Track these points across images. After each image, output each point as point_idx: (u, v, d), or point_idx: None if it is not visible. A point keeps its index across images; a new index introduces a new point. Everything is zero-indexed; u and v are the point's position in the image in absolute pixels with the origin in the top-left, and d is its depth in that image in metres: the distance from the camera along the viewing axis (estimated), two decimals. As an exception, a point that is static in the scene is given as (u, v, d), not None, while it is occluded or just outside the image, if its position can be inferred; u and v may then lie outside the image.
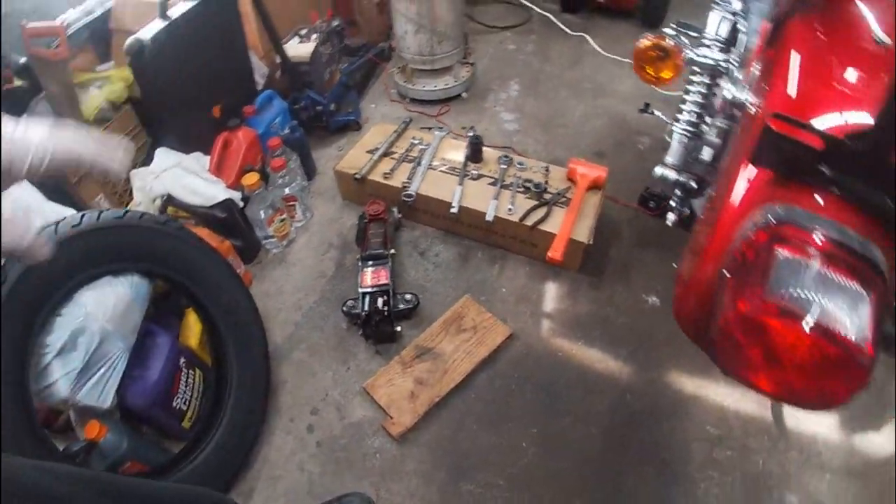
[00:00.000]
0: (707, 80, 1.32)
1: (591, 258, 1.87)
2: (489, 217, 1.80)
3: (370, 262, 1.69)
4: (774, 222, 0.72)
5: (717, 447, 1.48)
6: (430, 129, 2.27)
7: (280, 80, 2.37)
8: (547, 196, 1.85)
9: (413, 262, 1.89)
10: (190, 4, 1.84)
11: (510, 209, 1.82)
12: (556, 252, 1.67)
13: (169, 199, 1.72)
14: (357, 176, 1.95)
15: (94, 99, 1.80)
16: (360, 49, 2.75)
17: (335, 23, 2.46)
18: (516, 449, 1.46)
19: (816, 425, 1.53)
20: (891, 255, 0.73)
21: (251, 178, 1.76)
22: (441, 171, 1.98)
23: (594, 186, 1.88)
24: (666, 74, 1.33)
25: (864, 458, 1.49)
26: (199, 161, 1.86)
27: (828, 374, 0.70)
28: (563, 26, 3.10)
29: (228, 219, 1.75)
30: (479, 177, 1.95)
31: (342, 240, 1.96)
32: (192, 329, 1.55)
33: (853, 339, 0.66)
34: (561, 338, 1.69)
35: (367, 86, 2.77)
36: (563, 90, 2.68)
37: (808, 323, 0.66)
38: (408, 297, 1.68)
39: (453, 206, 1.83)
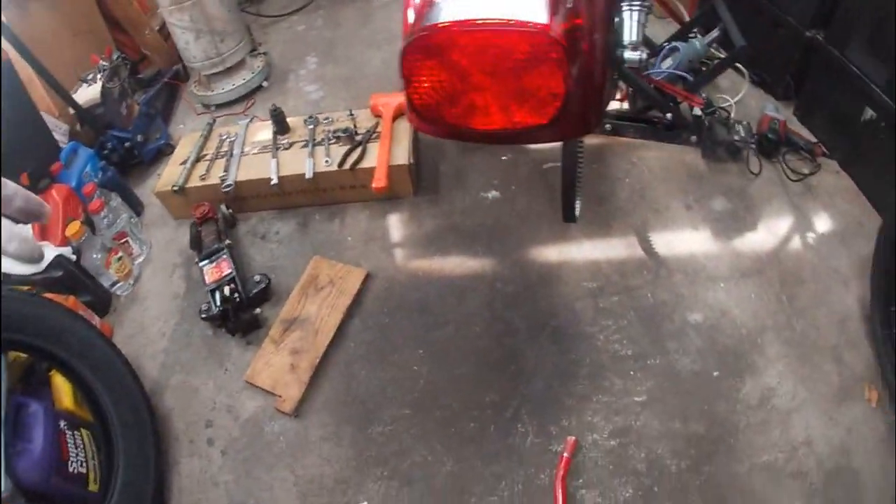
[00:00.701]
0: None
1: (423, 180, 1.92)
2: (308, 175, 1.80)
3: (208, 260, 1.66)
4: None
5: (601, 297, 1.54)
6: (235, 121, 2.24)
7: (83, 131, 2.28)
8: (358, 137, 1.87)
9: (257, 248, 1.87)
10: None
11: (327, 161, 1.83)
12: (379, 181, 1.70)
13: (5, 279, 1.64)
14: (175, 188, 1.90)
15: None
16: (156, 77, 2.68)
17: (115, 56, 2.37)
18: (411, 375, 1.48)
19: (690, 244, 1.63)
20: None
21: (72, 229, 1.70)
22: (253, 154, 1.97)
23: (400, 113, 1.92)
24: None
25: (752, 256, 1.60)
26: (22, 230, 1.74)
27: (524, 66, 0.70)
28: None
29: (66, 275, 1.68)
30: (291, 145, 1.96)
31: (184, 256, 1.91)
32: (63, 390, 1.46)
33: (527, 19, 0.67)
34: (417, 259, 1.73)
35: (173, 109, 2.69)
36: (358, 47, 2.72)
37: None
38: (256, 278, 1.67)
39: (273, 179, 1.82)
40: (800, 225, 1.67)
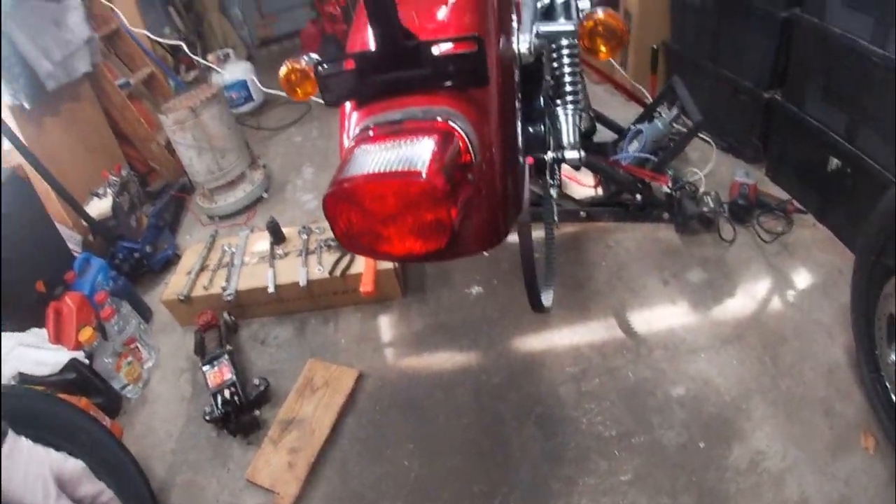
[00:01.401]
0: None
1: (411, 281, 2.08)
2: (302, 283, 1.96)
3: (210, 365, 1.78)
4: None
5: (584, 380, 1.62)
6: (235, 233, 2.41)
7: (96, 242, 2.47)
8: (349, 245, 2.03)
9: (258, 352, 2.00)
10: None
11: (319, 269, 1.99)
12: (366, 286, 1.86)
13: (22, 378, 1.76)
14: (181, 297, 2.05)
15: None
16: (163, 190, 2.91)
17: (124, 172, 2.59)
18: (403, 469, 1.56)
19: (668, 319, 1.72)
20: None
21: (85, 334, 1.84)
22: (253, 264, 2.13)
23: (385, 221, 2.09)
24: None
25: (731, 322, 1.67)
26: (38, 335, 1.92)
27: (414, 206, 0.82)
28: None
29: (79, 377, 1.80)
30: (286, 254, 2.13)
31: (190, 361, 2.03)
32: None
33: (411, 168, 0.80)
34: (407, 357, 1.86)
35: (180, 221, 2.88)
36: (351, 156, 2.93)
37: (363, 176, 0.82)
38: (256, 381, 1.78)
39: (270, 288, 1.98)
40: (778, 284, 1.76)
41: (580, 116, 1.45)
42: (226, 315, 2.04)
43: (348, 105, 1.04)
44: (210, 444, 1.75)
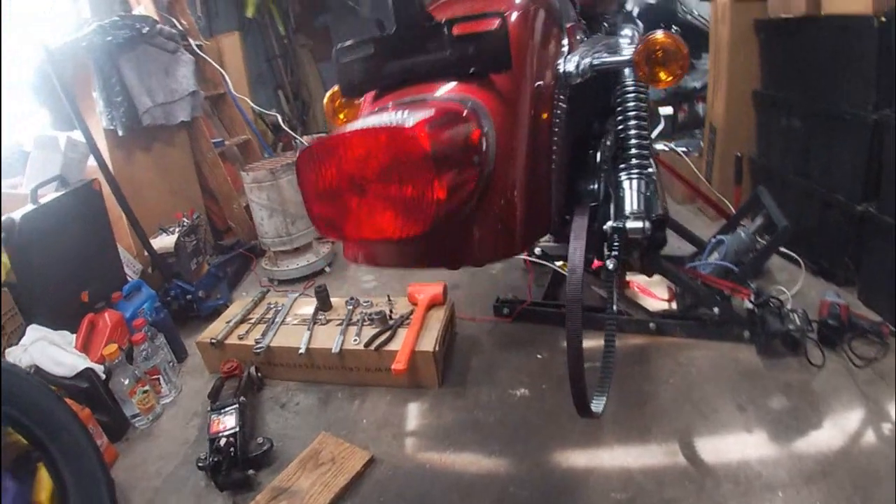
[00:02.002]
0: None
1: (452, 373, 1.92)
2: (335, 349, 1.85)
3: (217, 412, 1.66)
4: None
5: None
6: (285, 293, 2.37)
7: (153, 275, 2.51)
8: (390, 322, 1.94)
9: (275, 414, 1.86)
10: (57, 194, 2.07)
11: (356, 339, 1.89)
12: (398, 363, 1.72)
13: (36, 371, 1.74)
14: (213, 341, 1.99)
15: (-28, 278, 1.88)
16: (233, 246, 2.98)
17: (196, 217, 2.68)
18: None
19: (743, 449, 1.47)
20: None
21: (109, 349, 1.80)
22: (293, 324, 2.07)
23: (434, 303, 2.00)
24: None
25: (817, 457, 1.42)
26: (65, 338, 1.92)
27: (395, 167, 0.74)
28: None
29: (91, 389, 1.75)
30: (328, 322, 2.05)
31: (205, 407, 1.92)
32: (44, 485, 1.45)
33: (399, 124, 0.72)
34: (428, 451, 1.65)
35: (242, 279, 2.91)
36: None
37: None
38: (260, 440, 1.64)
39: (301, 349, 1.88)
40: (872, 416, 1.51)
41: (646, 183, 1.35)
42: (252, 369, 1.94)
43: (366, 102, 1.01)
44: (194, 493, 1.59)
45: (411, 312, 1.98)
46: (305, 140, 3.84)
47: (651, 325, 1.90)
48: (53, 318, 1.93)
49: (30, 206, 1.93)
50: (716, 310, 1.77)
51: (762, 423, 1.54)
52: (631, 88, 1.38)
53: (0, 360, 1.38)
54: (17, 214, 1.88)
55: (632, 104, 1.38)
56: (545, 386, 1.81)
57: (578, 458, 1.54)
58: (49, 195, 2.04)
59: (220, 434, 1.59)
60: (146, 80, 2.59)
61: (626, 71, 1.39)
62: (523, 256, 2.51)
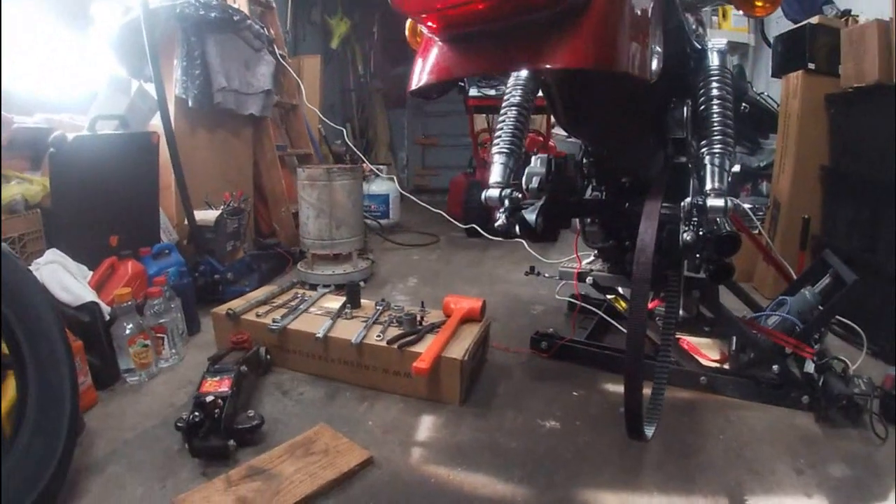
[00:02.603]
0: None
1: (476, 394, 1.73)
2: (355, 340, 1.68)
3: (212, 374, 1.50)
4: None
5: None
6: (315, 287, 2.24)
7: (188, 249, 2.43)
8: (419, 327, 1.77)
9: (273, 399, 1.68)
10: (115, 132, 2.06)
11: (378, 336, 1.72)
12: (422, 361, 1.53)
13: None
14: (230, 312, 1.86)
15: (10, 189, 1.87)
16: (274, 245, 2.90)
17: (244, 201, 2.61)
18: None
19: None
20: None
21: (121, 291, 1.71)
22: (316, 314, 1.92)
23: (470, 317, 1.83)
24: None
25: None
26: (82, 270, 1.86)
27: None
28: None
29: (90, 325, 1.66)
30: (353, 317, 1.89)
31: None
32: (7, 395, 1.33)
33: None
34: (436, 465, 1.42)
35: (274, 278, 2.79)
36: (459, 281, 2.78)
37: None
38: (251, 413, 1.46)
39: (318, 334, 1.72)
40: None
41: (730, 159, 1.27)
42: (262, 350, 1.79)
43: None
44: (164, 454, 1.41)
45: (442, 322, 1.80)
46: (366, 169, 3.84)
47: (702, 378, 1.70)
48: (76, 251, 1.86)
49: (85, 133, 1.90)
50: (775, 367, 1.60)
51: (823, 489, 1.32)
52: (716, 69, 1.36)
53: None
54: (71, 135, 1.84)
55: (716, 83, 1.34)
56: (579, 423, 1.58)
57: (611, 501, 1.29)
58: (107, 131, 2.02)
59: (209, 394, 1.41)
60: (226, 64, 2.62)
61: (711, 54, 1.39)
62: (568, 299, 2.34)
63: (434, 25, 0.99)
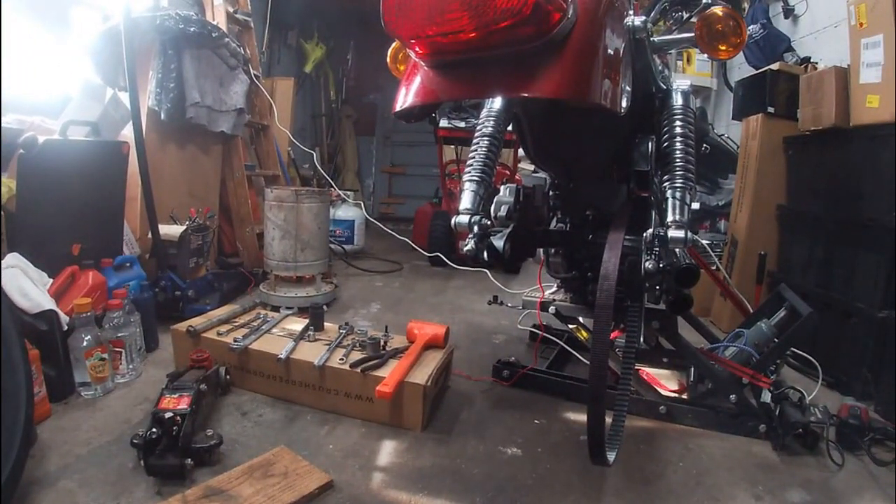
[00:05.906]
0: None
1: (438, 420, 1.74)
2: (317, 363, 1.68)
3: (172, 391, 1.47)
4: None
5: None
6: (278, 309, 2.22)
7: (149, 264, 2.38)
8: (383, 351, 1.77)
9: (232, 420, 1.66)
10: (86, 139, 2.04)
11: (341, 360, 1.72)
12: (386, 386, 1.54)
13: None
14: (191, 329, 1.83)
15: (-29, 189, 1.80)
16: (237, 265, 2.88)
17: (209, 218, 2.58)
18: None
19: None
20: None
21: (81, 301, 1.68)
22: (278, 335, 1.91)
23: (434, 343, 1.85)
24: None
25: None
26: (42, 277, 1.80)
27: None
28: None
29: (48, 334, 1.62)
30: (316, 340, 1.89)
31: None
32: None
33: None
34: (396, 490, 1.42)
35: (236, 297, 2.76)
36: (422, 308, 2.80)
37: None
38: (209, 433, 1.43)
39: (281, 355, 1.71)
40: None
41: (690, 193, 1.34)
42: (222, 370, 1.76)
43: None
44: (117, 472, 1.37)
45: (406, 347, 1.81)
46: (333, 195, 3.85)
47: (662, 408, 1.75)
48: (37, 257, 1.81)
49: (56, 137, 1.87)
50: (733, 397, 1.67)
51: (781, 514, 1.37)
52: (679, 108, 1.43)
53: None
54: (41, 138, 1.81)
55: (679, 121, 1.41)
56: (541, 450, 1.60)
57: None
58: (79, 137, 1.99)
59: (168, 410, 1.39)
60: (201, 80, 2.62)
61: (675, 94, 1.46)
62: (530, 329, 2.38)
63: (422, 51, 1.04)
